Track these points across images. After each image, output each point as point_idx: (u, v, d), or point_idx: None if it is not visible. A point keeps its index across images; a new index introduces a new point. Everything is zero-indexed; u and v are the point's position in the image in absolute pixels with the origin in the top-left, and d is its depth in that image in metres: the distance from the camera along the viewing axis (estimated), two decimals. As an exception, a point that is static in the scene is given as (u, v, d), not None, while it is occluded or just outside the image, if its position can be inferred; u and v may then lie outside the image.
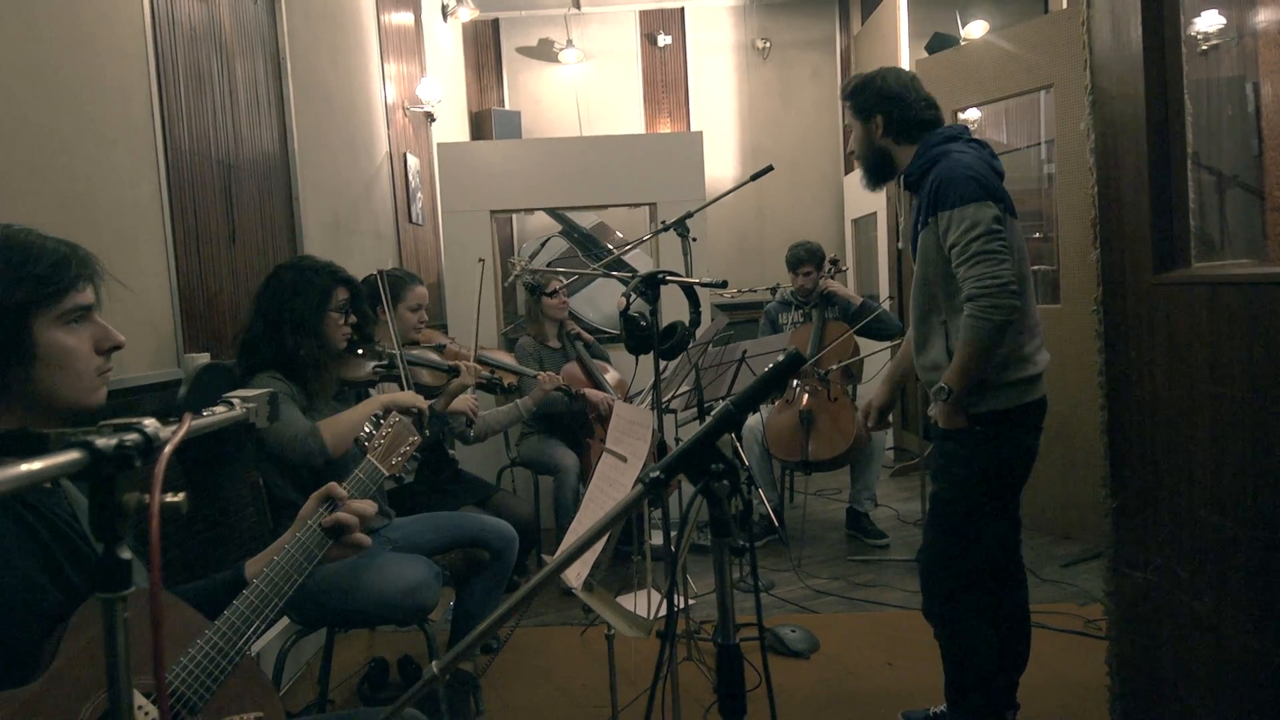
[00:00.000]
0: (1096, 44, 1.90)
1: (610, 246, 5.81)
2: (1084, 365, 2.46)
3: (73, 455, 0.68)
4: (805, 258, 4.17)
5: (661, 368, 2.45)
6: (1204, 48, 2.68)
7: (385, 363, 2.48)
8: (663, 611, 1.84)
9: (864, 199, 6.09)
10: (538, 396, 3.40)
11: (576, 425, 3.73)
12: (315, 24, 3.67)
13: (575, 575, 1.73)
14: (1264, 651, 1.46)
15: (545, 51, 6.99)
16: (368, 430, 1.60)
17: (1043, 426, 2.14)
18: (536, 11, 6.90)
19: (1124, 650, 1.94)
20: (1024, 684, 2.23)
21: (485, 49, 7.03)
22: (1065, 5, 4.83)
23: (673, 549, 2.50)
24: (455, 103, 6.52)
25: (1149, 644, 1.83)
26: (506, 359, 3.53)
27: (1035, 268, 4.37)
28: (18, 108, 1.83)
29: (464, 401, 2.92)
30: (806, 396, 4.00)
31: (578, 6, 6.81)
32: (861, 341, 4.19)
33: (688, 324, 2.36)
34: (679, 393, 3.06)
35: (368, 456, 1.56)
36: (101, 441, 0.70)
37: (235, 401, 0.94)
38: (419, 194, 5.07)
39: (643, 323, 2.27)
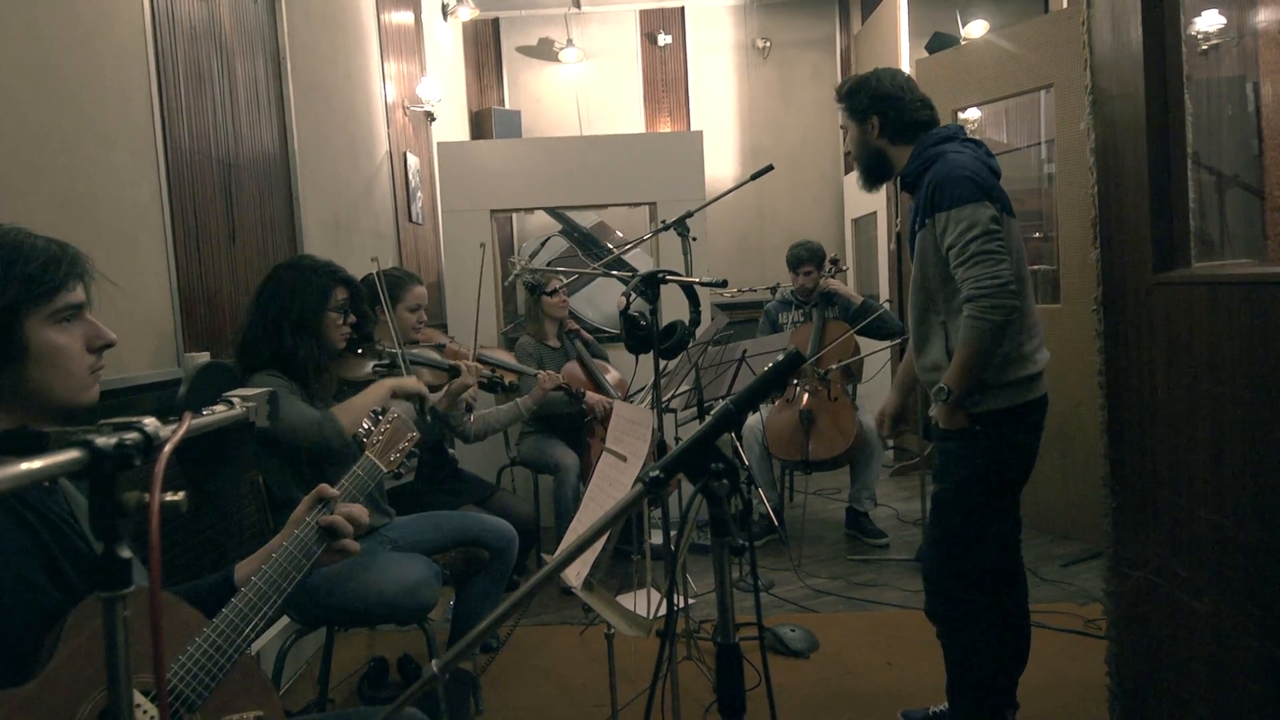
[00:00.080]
0: (1096, 44, 1.90)
1: (610, 246, 5.81)
2: (1084, 365, 2.45)
3: (73, 454, 0.69)
4: (806, 257, 4.16)
5: (661, 367, 2.44)
6: (1204, 48, 2.68)
7: (386, 362, 2.48)
8: (662, 611, 1.84)
9: (864, 199, 6.09)
10: (538, 396, 3.40)
11: (576, 425, 3.73)
12: (315, 23, 3.67)
13: (575, 574, 1.73)
14: (1264, 651, 1.46)
15: (545, 51, 6.99)
16: (366, 426, 1.61)
17: (1043, 425, 2.14)
18: (536, 11, 6.90)
19: (1124, 650, 1.94)
20: (1024, 683, 2.23)
21: (485, 48, 7.03)
22: (1065, 5, 4.82)
23: (672, 548, 2.50)
24: (455, 102, 6.52)
25: (1148, 643, 1.83)
26: (507, 358, 3.53)
27: (1035, 268, 4.39)
28: (18, 108, 1.83)
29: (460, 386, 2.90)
30: (806, 396, 4.00)
31: (578, 6, 6.81)
32: (862, 341, 4.18)
33: (688, 323, 2.36)
34: (679, 392, 3.06)
35: (366, 453, 1.56)
36: (101, 440, 0.70)
37: (235, 400, 0.95)
38: (419, 193, 5.07)
39: (642, 322, 2.27)
